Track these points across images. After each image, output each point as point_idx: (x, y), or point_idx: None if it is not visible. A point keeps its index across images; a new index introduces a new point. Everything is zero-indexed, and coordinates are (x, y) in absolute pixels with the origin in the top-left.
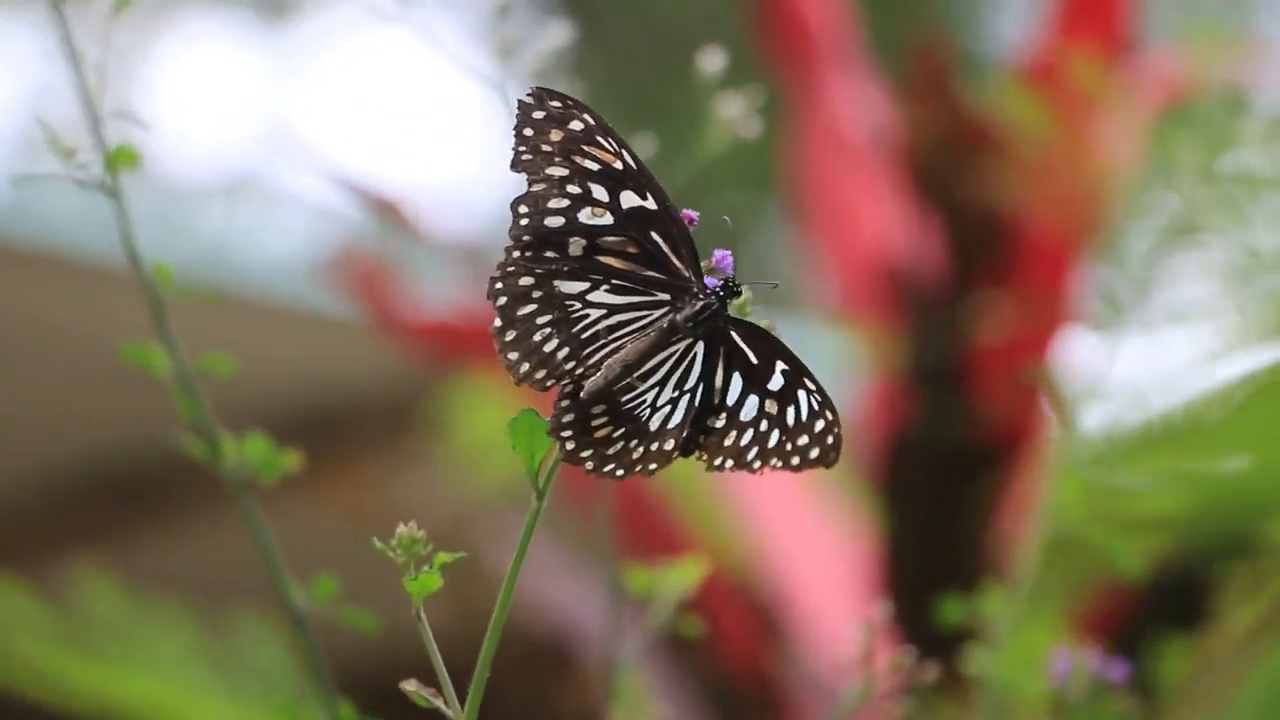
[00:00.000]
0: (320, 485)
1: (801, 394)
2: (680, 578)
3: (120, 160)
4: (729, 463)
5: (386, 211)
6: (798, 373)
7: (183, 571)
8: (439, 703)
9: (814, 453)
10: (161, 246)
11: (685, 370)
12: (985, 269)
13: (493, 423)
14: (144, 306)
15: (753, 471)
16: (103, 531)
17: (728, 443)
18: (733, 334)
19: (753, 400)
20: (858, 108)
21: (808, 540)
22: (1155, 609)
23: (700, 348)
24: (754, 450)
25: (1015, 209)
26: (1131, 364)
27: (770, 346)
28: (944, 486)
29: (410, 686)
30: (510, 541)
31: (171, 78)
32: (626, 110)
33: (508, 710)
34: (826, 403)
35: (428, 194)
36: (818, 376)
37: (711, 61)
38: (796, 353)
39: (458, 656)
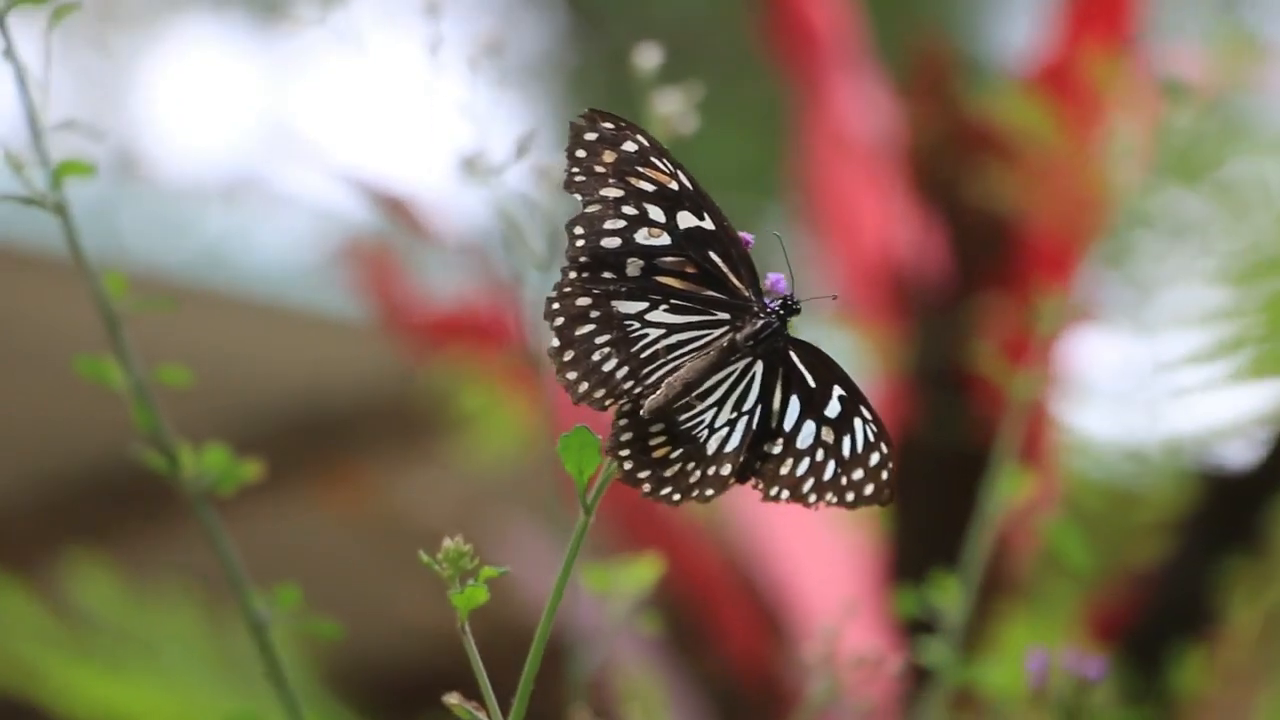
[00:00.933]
0: (321, 486)
1: (858, 423)
2: (637, 576)
3: (67, 173)
4: (785, 493)
5: (393, 209)
6: (854, 400)
7: (180, 572)
8: (482, 716)
9: (869, 489)
10: (161, 248)
11: (744, 391)
12: (989, 271)
13: (495, 421)
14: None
15: (808, 505)
16: (101, 532)
17: (784, 471)
18: (791, 355)
19: (809, 427)
20: (862, 110)
21: (812, 540)
22: (1165, 610)
23: (759, 368)
24: (810, 481)
25: (1018, 211)
26: (1134, 365)
27: (829, 370)
28: (949, 488)
29: (453, 700)
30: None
31: (171, 80)
32: (627, 112)
33: (508, 708)
34: (883, 435)
35: (432, 192)
36: (875, 406)
37: (648, 58)
38: (855, 380)
39: (457, 657)
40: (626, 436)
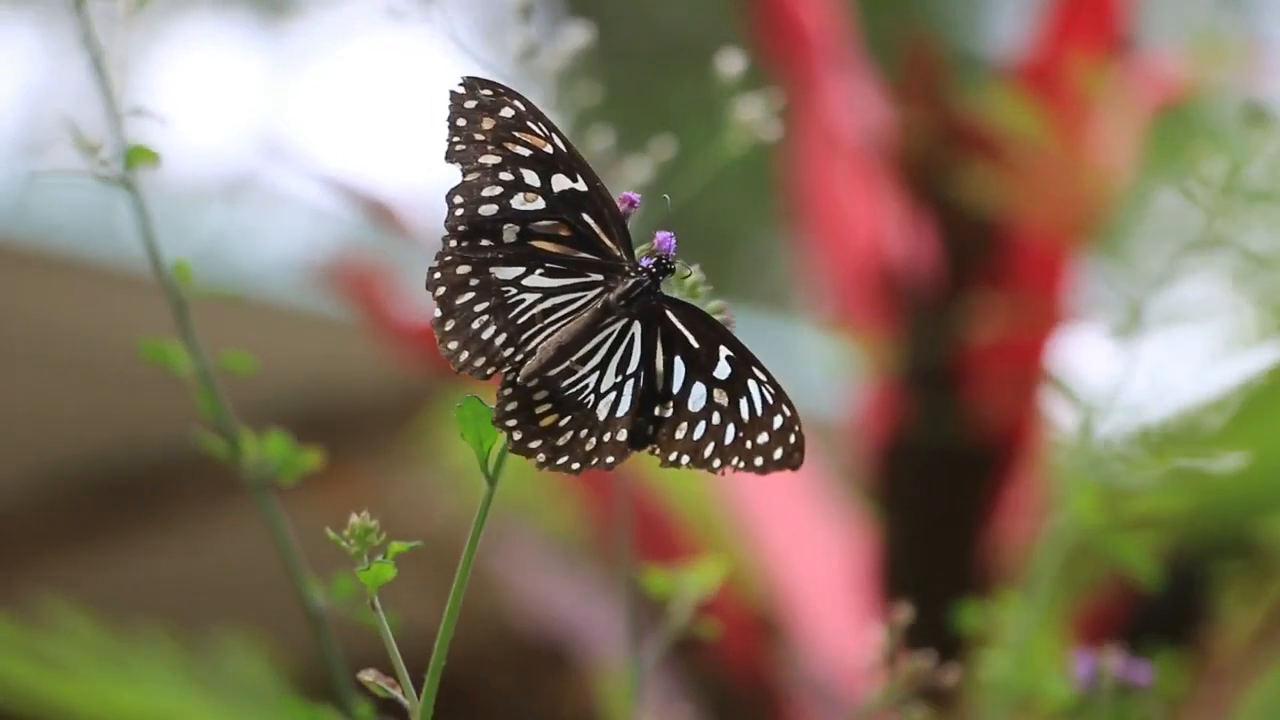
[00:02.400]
0: (315, 487)
1: (752, 384)
2: (699, 580)
3: (138, 158)
4: (685, 458)
5: (381, 214)
6: (744, 360)
7: (179, 572)
8: (396, 693)
9: (777, 453)
10: (161, 246)
11: (625, 353)
12: (979, 270)
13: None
14: (140, 306)
15: (714, 471)
16: (100, 531)
17: (679, 436)
18: (669, 314)
19: (699, 388)
20: (853, 109)
21: (806, 543)
22: (1154, 612)
23: (637, 328)
24: (710, 445)
25: (1009, 210)
26: (1133, 366)
27: (711, 330)
28: (940, 488)
29: (368, 676)
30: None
31: (171, 79)
32: (626, 111)
33: (503, 711)
34: (780, 396)
35: (423, 196)
36: (767, 367)
37: (730, 64)
38: (742, 340)
39: (452, 659)
40: (511, 406)
